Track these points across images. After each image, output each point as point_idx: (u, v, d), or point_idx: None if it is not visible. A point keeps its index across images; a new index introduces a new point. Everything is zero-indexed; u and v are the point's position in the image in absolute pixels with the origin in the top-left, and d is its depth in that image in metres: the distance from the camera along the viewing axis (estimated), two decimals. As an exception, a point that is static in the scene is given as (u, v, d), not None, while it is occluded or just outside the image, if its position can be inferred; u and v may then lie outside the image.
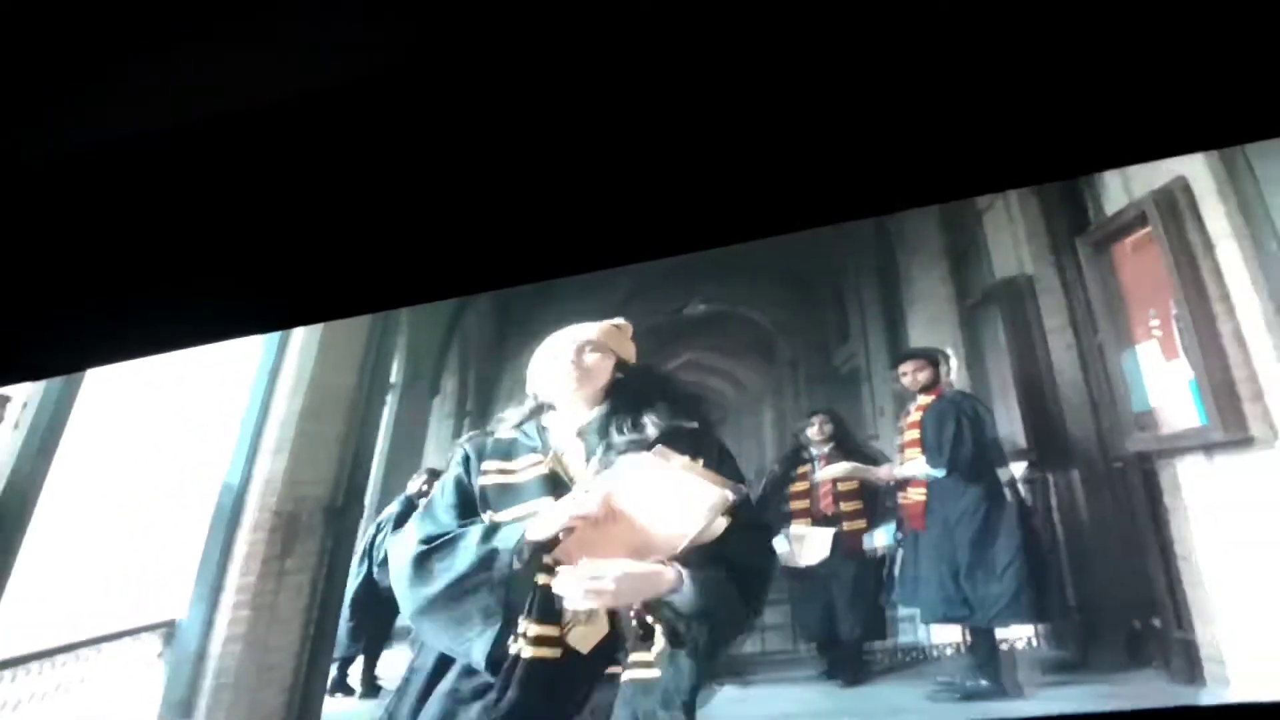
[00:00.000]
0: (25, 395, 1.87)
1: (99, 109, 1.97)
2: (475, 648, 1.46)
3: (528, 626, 1.46)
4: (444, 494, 1.62)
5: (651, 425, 1.58)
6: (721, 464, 1.59)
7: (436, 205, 2.05)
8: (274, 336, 2.00)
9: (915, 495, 1.67)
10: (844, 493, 1.76)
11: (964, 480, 1.62)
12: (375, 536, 1.92)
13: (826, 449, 1.83)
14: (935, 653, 1.64)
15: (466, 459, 1.63)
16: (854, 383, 2.32)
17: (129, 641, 1.76)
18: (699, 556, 1.47)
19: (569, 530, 1.48)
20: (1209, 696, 1.34)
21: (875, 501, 1.75)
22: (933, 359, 1.81)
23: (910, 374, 1.80)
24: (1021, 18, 1.83)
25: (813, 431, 1.87)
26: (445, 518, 1.59)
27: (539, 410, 1.67)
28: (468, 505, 1.59)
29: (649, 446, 1.56)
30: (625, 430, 1.58)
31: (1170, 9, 1.71)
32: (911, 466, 1.69)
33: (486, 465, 1.62)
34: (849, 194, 2.04)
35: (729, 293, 2.50)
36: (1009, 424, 1.82)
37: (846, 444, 1.85)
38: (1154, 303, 1.57)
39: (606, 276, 1.97)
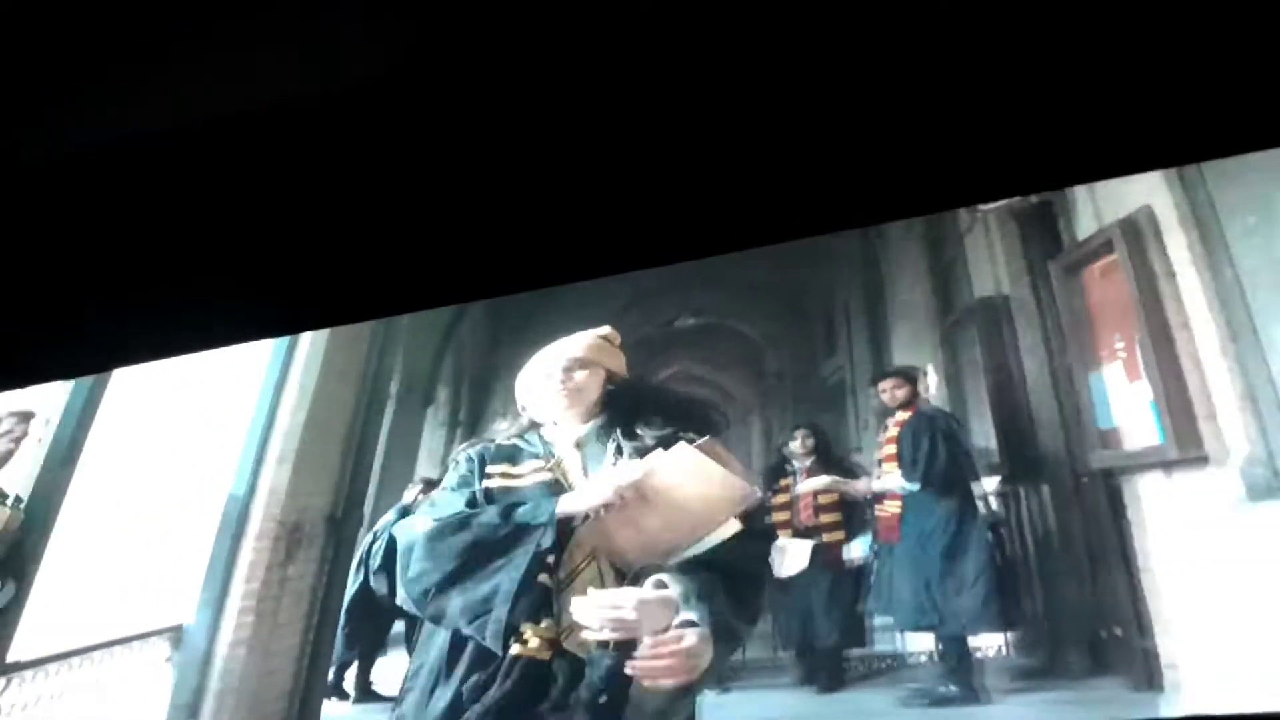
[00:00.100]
0: (49, 410, 1.93)
1: (99, 109, 1.97)
2: (490, 628, 1.47)
3: (527, 629, 1.47)
4: (451, 489, 1.65)
5: (650, 437, 1.61)
6: None
7: (435, 207, 2.06)
8: (279, 351, 2.04)
9: (891, 508, 1.74)
10: (824, 505, 1.82)
11: (937, 494, 1.69)
12: (371, 545, 1.97)
13: (808, 462, 1.90)
14: (910, 660, 1.71)
15: (471, 461, 1.66)
16: (840, 396, 2.38)
17: (139, 645, 1.82)
18: (695, 563, 1.50)
19: (606, 507, 1.50)
20: (1165, 702, 1.41)
21: (854, 513, 1.82)
22: (910, 377, 1.88)
23: (889, 391, 1.87)
24: (995, 37, 1.87)
25: (795, 445, 1.93)
26: (457, 502, 1.61)
27: (532, 427, 1.70)
28: (473, 504, 1.62)
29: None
30: (622, 441, 1.61)
31: (1141, 29, 1.75)
32: (888, 480, 1.76)
33: (491, 469, 1.64)
34: (835, 204, 2.06)
35: (719, 306, 2.56)
36: (984, 439, 1.89)
37: (827, 457, 1.92)
38: (1119, 326, 1.64)
39: (598, 289, 2.00)
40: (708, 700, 1.53)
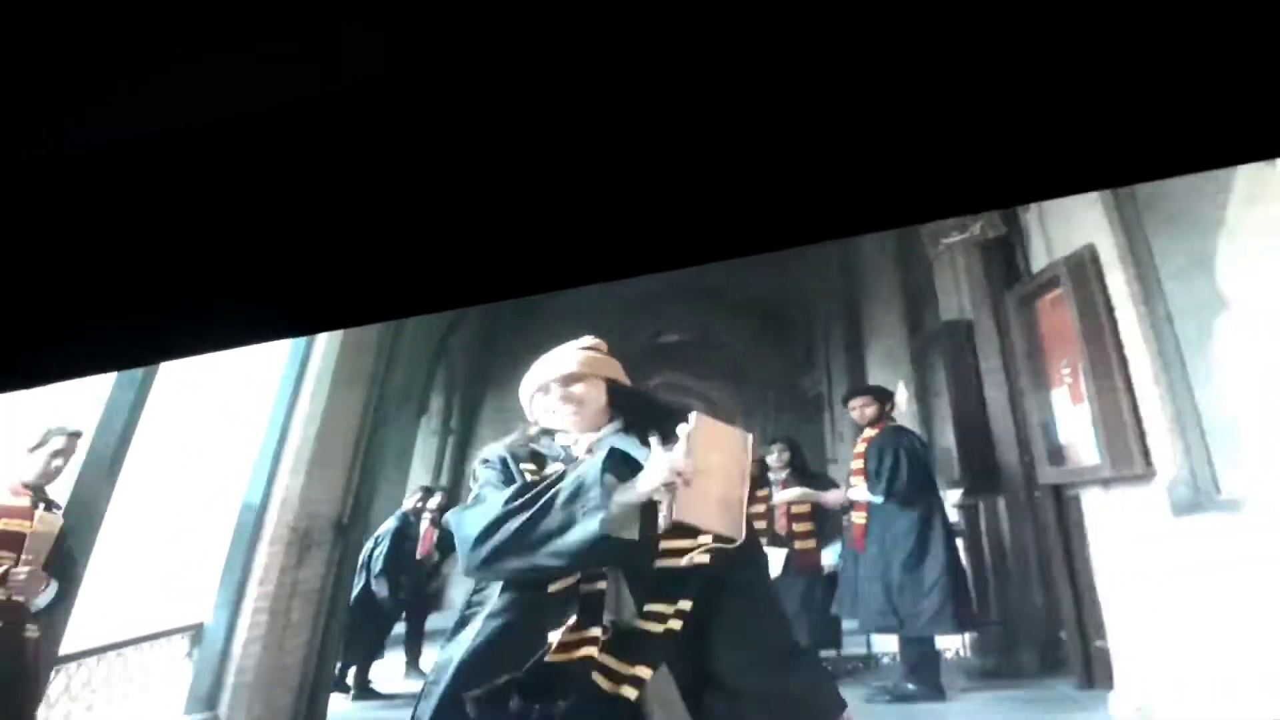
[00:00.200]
0: (91, 428, 2.03)
1: (99, 109, 1.92)
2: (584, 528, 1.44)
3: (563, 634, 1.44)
4: (494, 486, 1.58)
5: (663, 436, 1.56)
6: None
7: (436, 208, 2.01)
8: (293, 363, 2.12)
9: (858, 518, 1.88)
10: (797, 515, 1.96)
11: (899, 506, 1.83)
12: (373, 550, 2.09)
13: (784, 474, 2.03)
14: (878, 661, 1.85)
15: (505, 460, 1.61)
16: (818, 409, 2.52)
17: (163, 642, 1.94)
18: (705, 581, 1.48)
19: (669, 487, 1.46)
20: (1108, 699, 1.55)
21: (826, 523, 1.96)
22: (879, 396, 2.02)
23: (859, 409, 2.01)
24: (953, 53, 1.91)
25: (772, 459, 2.07)
26: (503, 495, 1.54)
27: (545, 433, 1.67)
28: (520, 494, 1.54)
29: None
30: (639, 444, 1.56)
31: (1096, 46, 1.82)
32: (855, 492, 1.90)
33: (524, 466, 1.61)
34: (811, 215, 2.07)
35: (706, 321, 2.70)
36: (948, 454, 2.04)
37: (803, 470, 2.06)
38: (1066, 353, 1.79)
39: (581, 305, 2.03)
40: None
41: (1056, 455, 1.79)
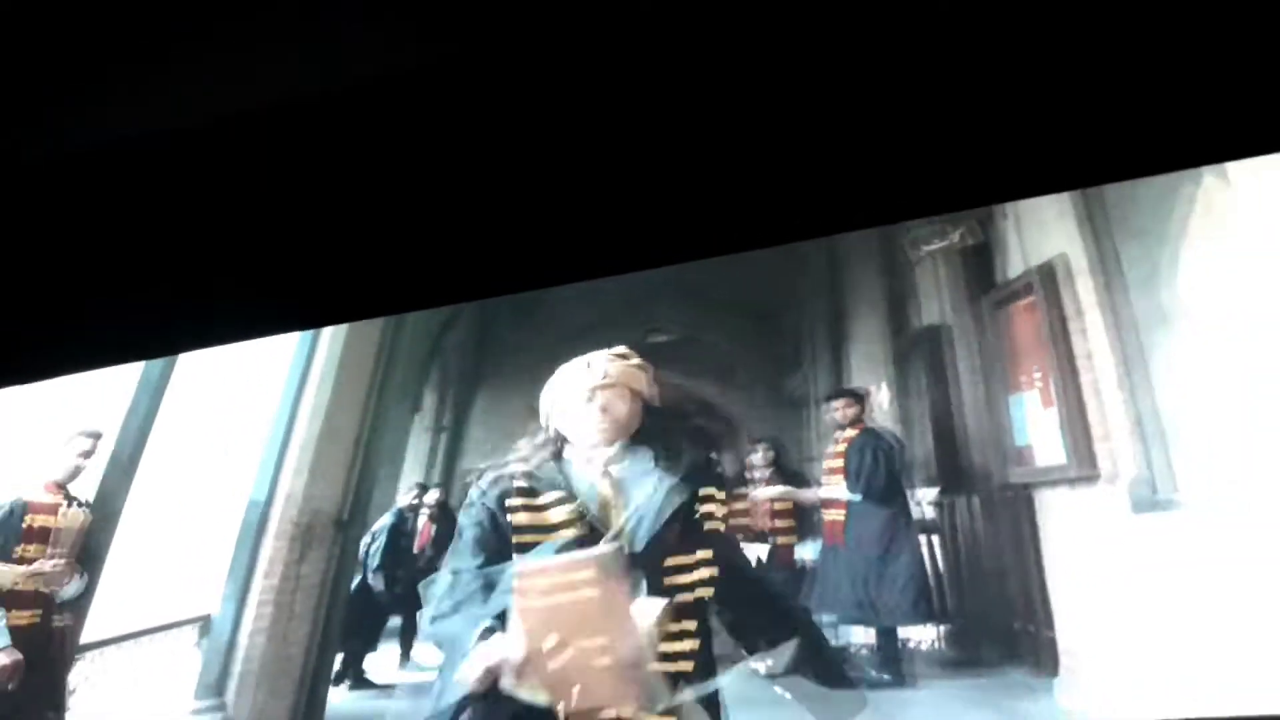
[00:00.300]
0: (112, 429, 2.11)
1: (99, 109, 1.95)
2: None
3: None
4: (472, 541, 1.61)
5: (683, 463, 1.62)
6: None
7: (435, 207, 2.07)
8: (298, 362, 2.17)
9: (836, 515, 1.96)
10: (779, 511, 2.04)
11: (875, 504, 1.91)
12: (370, 545, 2.15)
13: (768, 472, 2.11)
14: (853, 651, 1.93)
15: (491, 511, 1.61)
16: (802, 407, 2.59)
17: (173, 632, 2.03)
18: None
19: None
20: (1058, 686, 1.63)
21: (806, 519, 2.04)
22: (858, 396, 2.09)
23: (840, 409, 2.08)
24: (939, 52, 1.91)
25: (757, 457, 2.14)
26: (471, 561, 1.59)
27: (552, 443, 1.67)
28: (501, 544, 1.59)
29: (683, 478, 1.62)
30: (658, 464, 1.59)
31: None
32: (834, 490, 1.98)
33: (513, 502, 1.61)
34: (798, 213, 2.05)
35: (697, 320, 2.76)
36: (925, 453, 2.11)
37: (785, 469, 2.14)
38: (1036, 358, 1.86)
39: (571, 304, 2.09)
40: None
41: (1027, 455, 1.86)
